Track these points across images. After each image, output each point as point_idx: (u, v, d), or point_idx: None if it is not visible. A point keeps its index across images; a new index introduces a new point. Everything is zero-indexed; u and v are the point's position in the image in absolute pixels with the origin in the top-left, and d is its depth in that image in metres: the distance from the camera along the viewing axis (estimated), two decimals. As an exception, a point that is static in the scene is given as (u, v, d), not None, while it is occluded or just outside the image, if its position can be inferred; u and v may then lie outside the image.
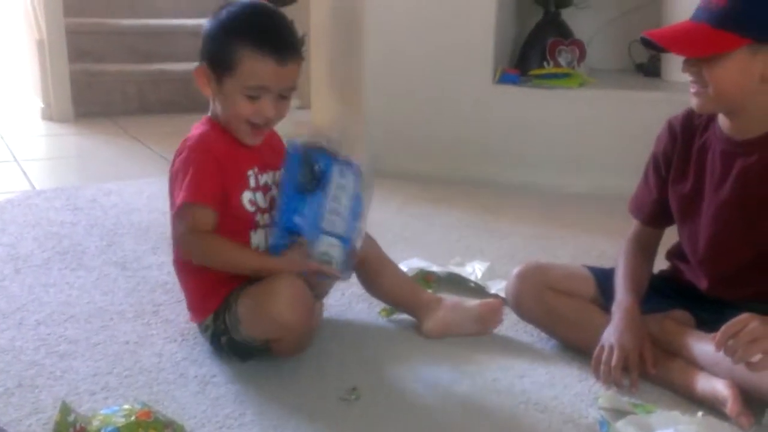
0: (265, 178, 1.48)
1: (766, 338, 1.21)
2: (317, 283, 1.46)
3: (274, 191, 1.48)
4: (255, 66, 1.38)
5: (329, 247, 1.40)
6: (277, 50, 1.39)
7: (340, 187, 1.37)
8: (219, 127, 1.47)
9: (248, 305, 1.40)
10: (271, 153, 1.51)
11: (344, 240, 1.40)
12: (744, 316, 1.24)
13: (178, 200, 1.40)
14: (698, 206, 1.44)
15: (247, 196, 1.45)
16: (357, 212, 1.37)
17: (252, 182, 1.46)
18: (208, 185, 1.40)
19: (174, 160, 1.46)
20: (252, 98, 1.41)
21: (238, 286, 1.44)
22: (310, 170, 1.38)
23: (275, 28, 1.42)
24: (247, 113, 1.42)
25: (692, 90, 1.34)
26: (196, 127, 1.49)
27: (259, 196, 1.47)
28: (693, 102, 1.36)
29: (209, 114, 1.50)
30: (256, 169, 1.47)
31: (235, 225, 1.44)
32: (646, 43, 1.37)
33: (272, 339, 1.42)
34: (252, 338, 1.42)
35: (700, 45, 1.29)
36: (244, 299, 1.41)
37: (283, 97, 1.43)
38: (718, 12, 1.28)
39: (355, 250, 1.46)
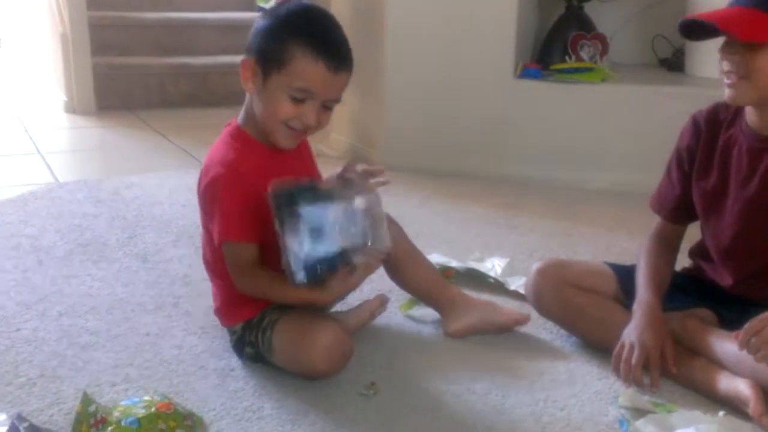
0: None
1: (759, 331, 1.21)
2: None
3: None
4: (306, 67, 1.33)
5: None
6: (331, 57, 1.34)
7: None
8: (250, 140, 1.42)
9: (285, 344, 1.38)
10: (299, 163, 1.48)
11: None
12: (767, 314, 1.23)
13: (216, 239, 1.38)
14: (723, 202, 1.43)
15: None
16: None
17: None
18: (243, 219, 1.36)
19: (201, 180, 1.41)
20: (295, 101, 1.35)
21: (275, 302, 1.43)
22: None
23: (334, 35, 1.38)
24: (286, 114, 1.36)
25: (728, 81, 1.32)
26: (224, 140, 1.43)
27: None
28: (727, 93, 1.33)
29: (238, 120, 1.45)
30: None
31: (270, 253, 1.35)
32: (686, 27, 1.33)
33: (304, 378, 1.40)
34: (283, 368, 1.41)
35: (754, 29, 1.26)
36: (282, 333, 1.38)
37: (326, 108, 1.39)
38: None
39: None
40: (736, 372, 1.31)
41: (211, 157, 1.42)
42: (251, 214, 1.36)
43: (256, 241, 1.37)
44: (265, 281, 1.37)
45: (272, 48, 1.35)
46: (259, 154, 1.42)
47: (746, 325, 1.23)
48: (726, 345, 1.34)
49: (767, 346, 1.21)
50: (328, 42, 1.36)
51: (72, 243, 2.06)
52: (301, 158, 1.50)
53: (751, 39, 1.28)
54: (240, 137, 1.43)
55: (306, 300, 1.37)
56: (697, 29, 1.33)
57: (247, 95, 1.44)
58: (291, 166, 1.44)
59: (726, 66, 1.32)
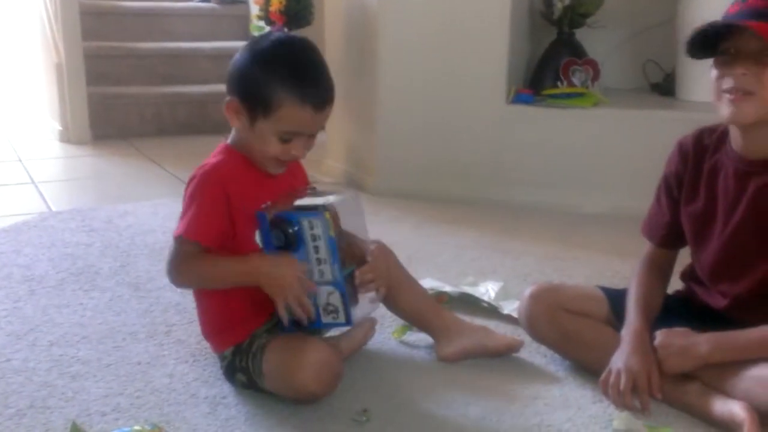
0: None
1: (671, 346, 1.37)
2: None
3: None
4: (294, 114, 1.35)
5: (329, 297, 1.39)
6: (317, 98, 1.37)
7: (313, 238, 1.35)
8: (238, 156, 1.43)
9: (274, 365, 1.37)
10: (290, 179, 1.49)
11: (337, 285, 1.38)
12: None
13: (176, 231, 1.38)
14: (711, 227, 1.43)
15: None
16: (335, 254, 1.36)
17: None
18: (212, 223, 1.37)
19: (187, 186, 1.43)
20: (284, 141, 1.38)
21: (265, 323, 1.43)
22: (284, 234, 1.36)
23: (316, 74, 1.39)
24: (275, 152, 1.39)
25: (731, 96, 1.29)
26: (213, 155, 1.45)
27: None
28: (728, 111, 1.30)
29: (228, 141, 1.46)
30: (269, 204, 1.41)
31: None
32: (699, 36, 1.31)
33: (296, 401, 1.39)
34: (274, 392, 1.40)
35: None
36: (271, 355, 1.38)
37: (311, 136, 1.42)
38: None
39: (350, 294, 1.41)
40: (731, 394, 1.31)
41: (202, 165, 1.43)
42: (219, 219, 1.37)
43: (210, 245, 1.38)
44: (204, 258, 1.37)
45: (258, 93, 1.36)
46: (242, 166, 1.43)
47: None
48: (720, 368, 1.33)
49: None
50: (313, 84, 1.37)
51: (64, 272, 2.06)
52: (292, 173, 1.50)
53: None
54: (226, 152, 1.44)
55: (251, 269, 1.36)
56: (702, 42, 1.31)
57: None
58: (277, 183, 1.45)
59: (728, 83, 1.29)
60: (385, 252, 1.54)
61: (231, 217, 1.39)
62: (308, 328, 1.41)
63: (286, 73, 1.35)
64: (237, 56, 1.42)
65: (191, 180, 1.41)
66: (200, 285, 1.44)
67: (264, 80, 1.36)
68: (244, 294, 1.43)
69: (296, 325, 1.40)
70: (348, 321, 1.42)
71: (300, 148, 1.40)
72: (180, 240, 1.38)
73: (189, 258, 1.38)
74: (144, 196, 2.85)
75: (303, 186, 1.53)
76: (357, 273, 1.42)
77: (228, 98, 1.40)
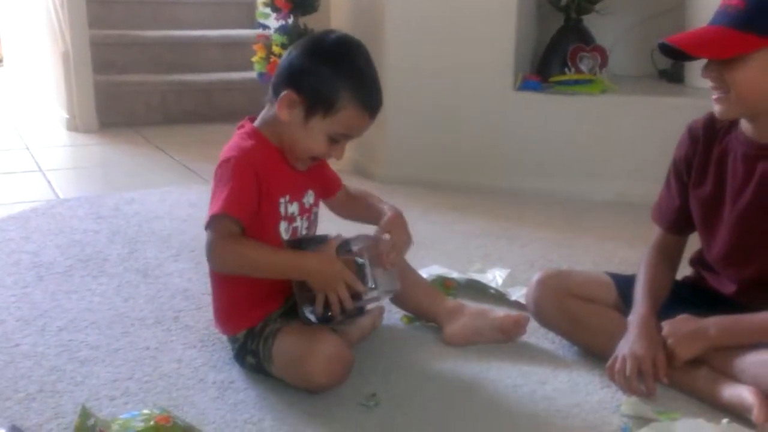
0: (292, 208, 1.45)
1: (679, 332, 1.37)
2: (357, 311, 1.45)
3: (298, 222, 1.46)
4: (354, 118, 1.38)
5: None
6: (375, 105, 1.40)
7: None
8: (269, 144, 1.43)
9: (285, 353, 1.38)
10: (312, 174, 1.50)
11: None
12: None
13: (214, 210, 1.35)
14: (719, 211, 1.43)
15: (282, 226, 1.44)
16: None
17: (282, 210, 1.43)
18: (248, 202, 1.36)
19: (217, 169, 1.41)
20: (333, 141, 1.40)
21: (278, 308, 1.44)
22: None
23: (376, 81, 1.42)
24: (321, 152, 1.41)
25: (714, 96, 1.33)
26: (240, 135, 1.44)
27: (284, 225, 1.44)
28: (715, 108, 1.35)
29: (256, 123, 1.45)
30: (287, 197, 1.44)
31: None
32: (665, 49, 1.35)
33: (304, 390, 1.39)
34: (282, 379, 1.40)
35: (719, 47, 1.28)
36: (282, 342, 1.38)
37: None
38: (737, 14, 1.26)
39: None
40: (740, 379, 1.31)
41: (227, 148, 1.43)
42: (252, 200, 1.37)
43: (246, 225, 1.37)
44: (253, 244, 1.36)
45: (322, 92, 1.37)
46: (272, 155, 1.43)
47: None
48: (728, 353, 1.33)
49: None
50: (374, 91, 1.41)
51: (72, 258, 2.06)
52: (313, 170, 1.51)
53: (711, 57, 1.29)
54: (255, 136, 1.44)
55: (298, 264, 1.37)
56: (676, 51, 1.34)
57: (267, 107, 1.45)
58: (302, 177, 1.47)
59: (710, 83, 1.33)
60: (402, 219, 1.57)
61: (259, 202, 1.38)
62: (347, 320, 1.44)
63: (353, 77, 1.38)
64: (296, 51, 1.41)
65: (224, 161, 1.39)
66: (243, 270, 1.39)
67: (332, 81, 1.37)
68: (259, 278, 1.43)
69: (325, 320, 1.40)
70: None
71: (342, 151, 1.43)
72: (219, 219, 1.34)
73: (234, 241, 1.35)
74: (151, 183, 2.85)
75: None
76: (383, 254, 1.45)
77: (284, 91, 1.38)
